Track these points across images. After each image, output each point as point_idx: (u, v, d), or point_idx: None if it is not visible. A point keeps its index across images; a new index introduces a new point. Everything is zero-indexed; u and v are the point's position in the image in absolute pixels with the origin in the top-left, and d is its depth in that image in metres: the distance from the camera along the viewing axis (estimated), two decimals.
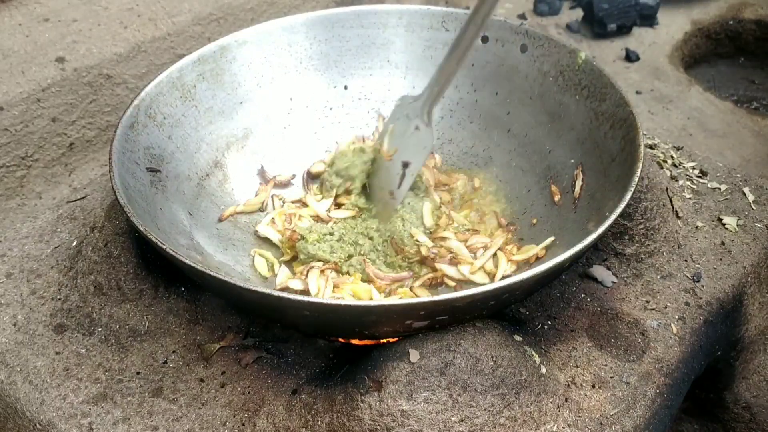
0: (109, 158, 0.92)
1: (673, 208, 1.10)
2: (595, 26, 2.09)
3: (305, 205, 1.17)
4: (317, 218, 1.13)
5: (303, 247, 1.04)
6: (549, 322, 0.96)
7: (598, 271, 1.02)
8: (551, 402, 0.84)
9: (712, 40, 2.16)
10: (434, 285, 1.02)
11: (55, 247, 1.07)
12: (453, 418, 0.78)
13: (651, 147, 1.25)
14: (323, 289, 0.98)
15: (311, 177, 1.22)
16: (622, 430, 0.85)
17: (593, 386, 0.88)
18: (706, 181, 1.20)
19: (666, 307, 0.98)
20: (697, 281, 1.02)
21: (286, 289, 1.01)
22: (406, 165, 1.08)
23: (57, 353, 0.93)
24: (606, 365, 0.91)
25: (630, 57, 2.01)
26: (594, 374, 0.90)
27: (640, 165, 0.88)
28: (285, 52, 1.22)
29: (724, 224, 1.11)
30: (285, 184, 1.20)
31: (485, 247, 1.03)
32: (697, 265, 1.04)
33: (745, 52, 2.18)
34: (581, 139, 1.06)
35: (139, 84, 1.39)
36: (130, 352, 0.93)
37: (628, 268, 1.03)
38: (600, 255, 1.05)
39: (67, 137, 1.33)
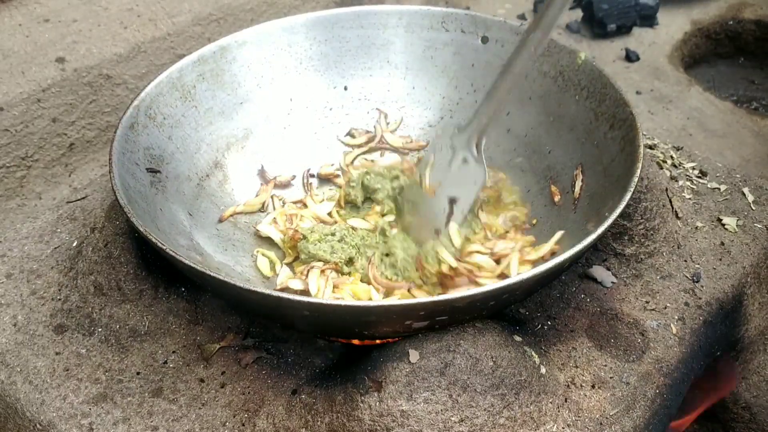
0: (109, 159, 0.92)
1: (672, 208, 1.10)
2: (595, 26, 2.09)
3: (305, 206, 1.17)
4: (318, 219, 1.14)
5: (304, 246, 1.04)
6: (549, 323, 0.97)
7: (598, 271, 1.02)
8: (551, 402, 0.84)
9: (711, 40, 2.16)
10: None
11: (55, 248, 1.07)
12: (453, 419, 0.78)
13: (651, 147, 1.25)
14: (323, 289, 0.98)
15: (320, 179, 1.22)
16: (622, 430, 0.85)
17: (593, 386, 0.88)
18: (705, 182, 1.20)
19: (666, 308, 0.98)
20: (697, 281, 1.02)
21: (286, 288, 1.01)
22: (453, 201, 1.02)
23: (57, 353, 0.93)
24: (606, 365, 0.91)
25: (630, 57, 2.01)
26: (594, 374, 0.90)
27: (640, 165, 0.88)
28: (285, 53, 1.22)
29: (723, 224, 1.11)
30: (285, 185, 1.20)
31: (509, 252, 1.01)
32: (697, 266, 1.04)
33: (744, 53, 2.17)
34: (581, 139, 1.06)
35: (139, 84, 1.39)
36: (130, 352, 0.93)
37: (628, 268, 1.03)
38: (600, 255, 1.05)
39: (67, 137, 1.33)
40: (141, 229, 0.81)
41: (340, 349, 0.95)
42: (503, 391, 0.81)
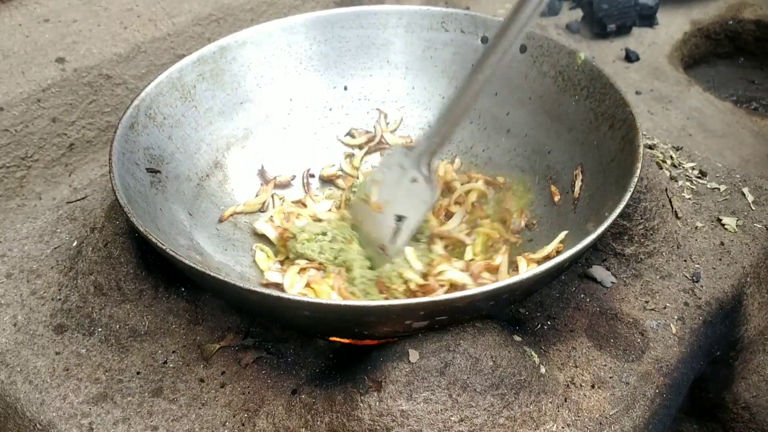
0: (109, 159, 0.92)
1: (672, 208, 1.10)
2: (595, 26, 2.09)
3: (304, 205, 1.17)
4: (316, 218, 1.14)
5: (292, 246, 1.04)
6: (548, 323, 0.97)
7: (598, 271, 1.02)
8: (550, 402, 0.84)
9: (711, 40, 2.16)
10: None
11: (55, 248, 1.07)
12: (452, 418, 0.79)
13: (650, 147, 1.25)
14: (296, 284, 0.99)
15: (322, 180, 1.23)
16: (622, 430, 0.85)
17: (592, 386, 0.88)
18: (705, 182, 1.20)
19: (665, 308, 0.98)
20: (697, 281, 1.02)
21: (267, 283, 1.02)
22: (400, 219, 1.02)
23: (57, 353, 0.93)
24: (605, 365, 0.91)
25: (629, 57, 2.01)
26: (593, 374, 0.90)
27: (640, 165, 0.88)
28: (285, 53, 1.23)
29: (723, 224, 1.11)
30: (285, 185, 1.20)
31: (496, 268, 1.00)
32: (697, 266, 1.05)
33: (744, 53, 2.18)
34: (581, 139, 1.07)
35: (139, 84, 1.39)
36: (130, 352, 0.93)
37: (628, 268, 1.04)
38: (599, 255, 1.05)
39: (67, 138, 1.33)
40: (141, 229, 0.81)
41: (340, 349, 0.95)
42: (503, 390, 0.81)
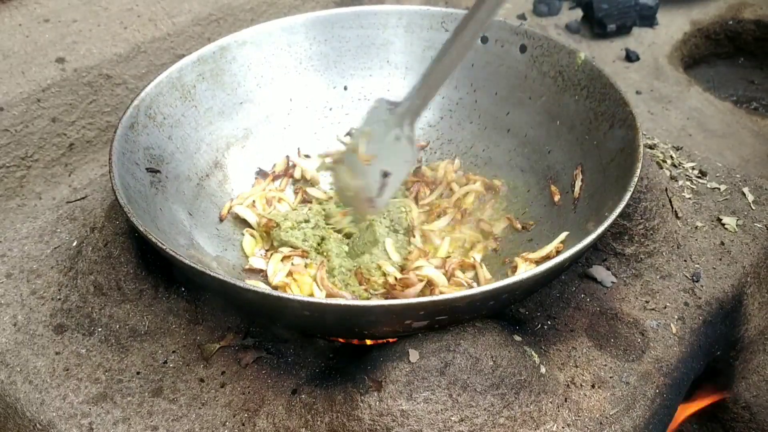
0: (109, 159, 0.92)
1: (672, 208, 1.10)
2: (595, 26, 2.10)
3: (293, 177, 1.19)
4: (298, 203, 1.15)
5: (276, 234, 1.05)
6: (549, 322, 0.97)
7: (598, 271, 1.02)
8: (551, 402, 0.84)
9: (711, 40, 2.16)
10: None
11: (55, 248, 1.07)
12: (453, 418, 0.78)
13: (650, 147, 1.25)
14: (278, 272, 1.00)
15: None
16: (622, 429, 0.85)
17: (593, 386, 0.88)
18: (705, 182, 1.20)
19: (665, 307, 0.98)
20: (697, 281, 1.02)
21: (250, 269, 1.03)
22: (386, 175, 1.02)
23: (57, 353, 0.93)
24: (605, 365, 0.91)
25: (630, 57, 2.01)
26: (593, 374, 0.90)
27: (640, 165, 0.89)
28: (285, 53, 1.23)
29: (723, 224, 1.11)
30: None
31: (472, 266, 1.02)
32: (697, 265, 1.05)
33: (744, 53, 2.18)
34: (581, 139, 1.07)
35: (139, 84, 1.39)
36: (130, 352, 0.93)
37: (628, 268, 1.04)
38: (599, 255, 1.05)
39: (67, 137, 1.33)
40: (141, 229, 0.81)
41: (340, 349, 0.95)
42: (503, 390, 0.81)
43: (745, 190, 1.18)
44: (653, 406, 0.89)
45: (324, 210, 1.11)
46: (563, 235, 0.98)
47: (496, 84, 1.20)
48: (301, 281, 0.99)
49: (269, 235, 1.07)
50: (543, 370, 0.87)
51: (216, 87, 1.15)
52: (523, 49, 1.16)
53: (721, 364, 1.14)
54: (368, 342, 0.92)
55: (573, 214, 1.02)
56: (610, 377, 0.89)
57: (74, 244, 1.07)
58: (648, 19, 2.13)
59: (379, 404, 0.78)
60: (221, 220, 1.09)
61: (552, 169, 1.11)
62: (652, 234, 1.05)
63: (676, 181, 1.18)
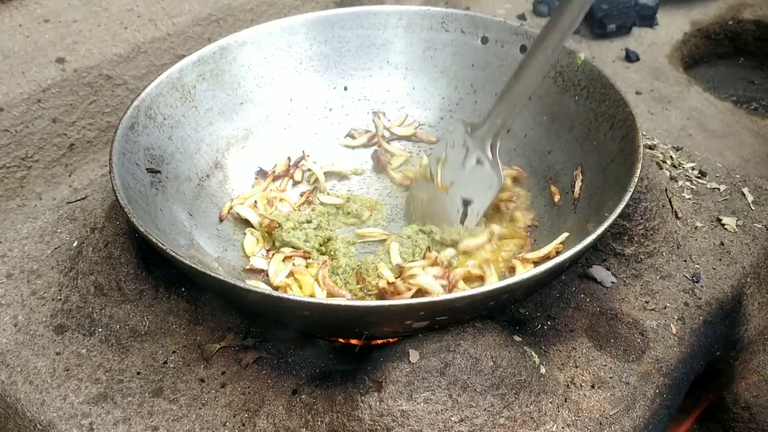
0: (110, 159, 0.92)
1: (672, 208, 1.10)
2: (595, 26, 2.09)
3: (293, 178, 1.19)
4: (301, 204, 1.15)
5: (278, 234, 1.05)
6: (548, 323, 0.97)
7: (598, 271, 1.02)
8: (551, 402, 0.84)
9: (711, 40, 2.16)
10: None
11: (56, 248, 1.07)
12: (453, 418, 0.79)
13: (650, 147, 1.25)
14: (280, 273, 1.00)
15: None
16: (622, 430, 0.85)
17: (593, 386, 0.88)
18: (705, 182, 1.20)
19: (665, 308, 0.98)
20: (697, 281, 1.02)
21: (251, 269, 1.03)
22: (467, 203, 0.99)
23: (57, 354, 0.93)
24: (605, 365, 0.91)
25: (630, 57, 2.01)
26: (593, 374, 0.90)
27: (640, 165, 0.89)
28: (285, 53, 1.23)
29: (723, 224, 1.11)
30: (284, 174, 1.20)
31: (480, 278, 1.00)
32: (697, 266, 1.05)
33: (744, 53, 2.18)
34: (581, 139, 1.07)
35: (139, 85, 1.39)
36: (130, 352, 0.94)
37: (628, 268, 1.04)
38: (599, 255, 1.05)
39: (67, 138, 1.33)
40: (141, 229, 0.81)
41: (340, 349, 0.95)
42: (503, 391, 0.81)
43: (745, 190, 1.18)
44: (653, 407, 0.89)
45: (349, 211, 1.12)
46: (563, 236, 0.98)
47: (496, 84, 1.20)
48: (303, 281, 1.00)
49: (270, 236, 1.07)
50: (543, 370, 0.87)
51: (216, 87, 1.16)
52: (523, 49, 1.16)
53: (721, 364, 1.15)
54: (368, 342, 0.92)
55: (573, 215, 1.02)
56: (610, 377, 0.89)
57: (74, 244, 1.07)
58: (648, 19, 2.12)
59: (379, 404, 0.78)
60: (221, 220, 1.09)
61: (552, 169, 1.11)
62: (652, 234, 1.05)
63: (676, 181, 1.18)
